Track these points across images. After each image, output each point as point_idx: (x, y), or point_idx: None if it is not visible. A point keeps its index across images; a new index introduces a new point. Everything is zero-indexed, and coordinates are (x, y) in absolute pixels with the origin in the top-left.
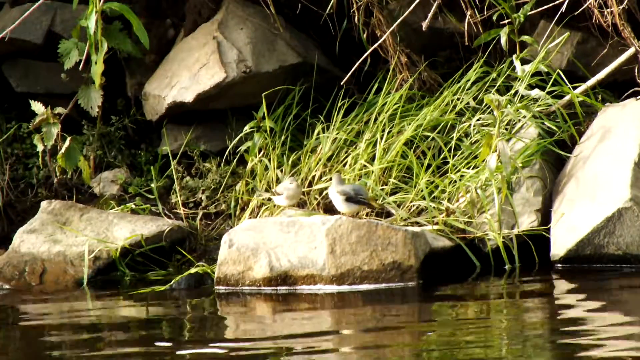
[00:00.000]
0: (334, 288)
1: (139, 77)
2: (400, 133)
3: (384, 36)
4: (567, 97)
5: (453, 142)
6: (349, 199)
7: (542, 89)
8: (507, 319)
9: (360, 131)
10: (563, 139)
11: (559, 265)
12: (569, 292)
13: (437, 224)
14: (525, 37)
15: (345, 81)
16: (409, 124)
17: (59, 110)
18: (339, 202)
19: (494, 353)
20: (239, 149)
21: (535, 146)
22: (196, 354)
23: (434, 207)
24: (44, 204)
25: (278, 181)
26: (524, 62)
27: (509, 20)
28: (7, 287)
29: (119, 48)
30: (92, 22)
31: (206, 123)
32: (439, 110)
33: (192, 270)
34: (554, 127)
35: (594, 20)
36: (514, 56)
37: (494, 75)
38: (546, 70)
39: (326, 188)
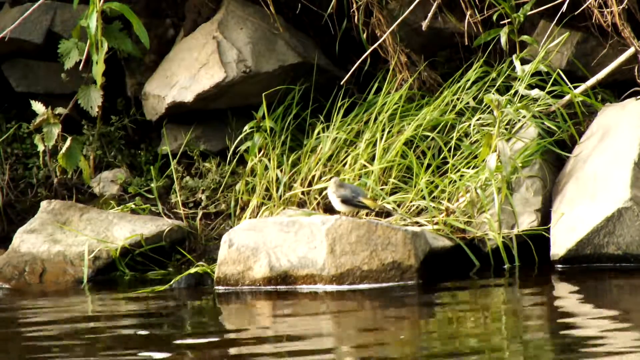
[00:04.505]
0: (333, 288)
1: (139, 77)
2: (400, 133)
3: (384, 36)
4: (567, 97)
5: (453, 142)
6: (345, 201)
7: (542, 89)
8: (506, 318)
9: (360, 131)
10: (563, 139)
11: (559, 265)
12: (569, 292)
13: (437, 223)
14: (525, 37)
15: (345, 81)
16: (409, 124)
17: (59, 110)
18: (336, 203)
19: (493, 352)
20: (239, 148)
21: (535, 146)
22: (195, 352)
23: (434, 207)
24: (43, 203)
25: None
26: (524, 62)
27: (509, 20)
28: (7, 286)
29: (119, 48)
30: (92, 21)
31: (206, 123)
32: (438, 110)
33: (192, 270)
34: (553, 127)
35: (593, 20)
36: (514, 56)
37: (493, 75)
38: (546, 70)
39: (326, 188)
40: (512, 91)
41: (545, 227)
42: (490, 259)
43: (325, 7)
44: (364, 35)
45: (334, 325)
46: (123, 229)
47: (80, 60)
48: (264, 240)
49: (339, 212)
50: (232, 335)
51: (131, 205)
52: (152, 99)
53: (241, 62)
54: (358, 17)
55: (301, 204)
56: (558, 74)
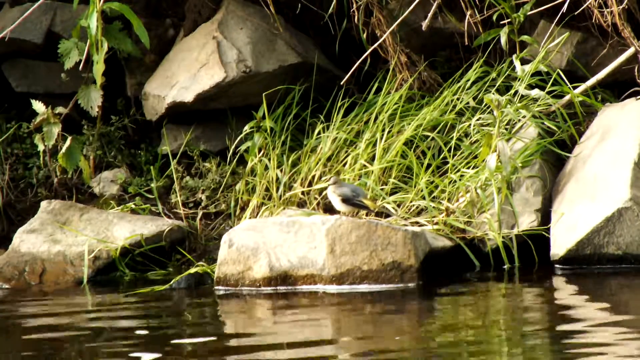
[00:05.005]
0: (333, 288)
1: (139, 77)
2: (400, 133)
3: (384, 36)
4: (567, 97)
5: (453, 142)
6: (346, 200)
7: (542, 88)
8: (506, 318)
9: (360, 131)
10: (563, 139)
11: (559, 265)
12: (569, 291)
13: (437, 223)
14: (525, 37)
15: (345, 81)
16: (409, 124)
17: (59, 109)
18: (336, 202)
19: (493, 353)
20: (239, 148)
21: (535, 146)
22: (190, 353)
23: (434, 207)
24: (43, 203)
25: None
26: (524, 62)
27: (509, 20)
28: (7, 286)
29: (119, 48)
30: (92, 22)
31: (206, 123)
32: (438, 110)
33: (192, 270)
34: (553, 127)
35: (594, 20)
36: (514, 56)
37: (493, 75)
38: (546, 70)
39: (326, 188)
40: (512, 91)
41: (545, 227)
42: (490, 259)
43: (325, 7)
44: (364, 35)
45: (333, 325)
46: (123, 229)
47: (80, 60)
48: (264, 240)
49: (339, 212)
50: (231, 335)
51: (131, 205)
52: (152, 99)
53: (241, 62)
54: (358, 17)
55: (301, 204)
56: (558, 74)
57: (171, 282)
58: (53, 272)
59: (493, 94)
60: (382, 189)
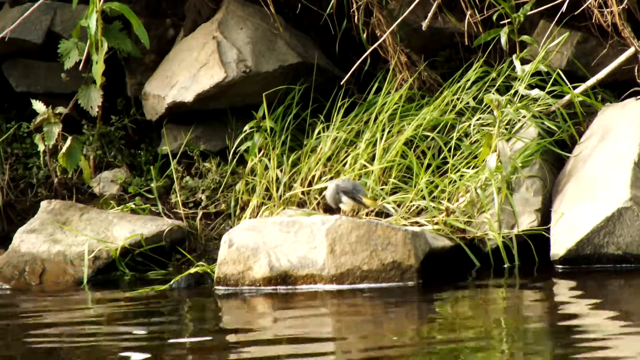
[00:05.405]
0: (333, 288)
1: (139, 77)
2: (400, 133)
3: (384, 36)
4: (567, 97)
5: (453, 142)
6: (346, 192)
7: (542, 88)
8: (506, 318)
9: (360, 131)
10: (563, 139)
11: (559, 265)
12: (569, 291)
13: (437, 223)
14: (525, 37)
15: (345, 81)
16: (409, 124)
17: (59, 110)
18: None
19: (494, 353)
20: (239, 148)
21: (535, 146)
22: (194, 352)
23: (433, 207)
24: (43, 203)
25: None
26: (524, 62)
27: (509, 20)
28: (7, 286)
29: (119, 48)
30: (92, 21)
31: (206, 123)
32: (438, 110)
33: (192, 270)
34: (553, 127)
35: (593, 20)
36: (514, 56)
37: (493, 75)
38: (546, 70)
39: (326, 188)
40: (512, 91)
41: (545, 227)
42: (490, 259)
43: (325, 7)
44: (364, 35)
45: (333, 325)
46: (123, 229)
47: (80, 60)
48: (264, 240)
49: (339, 211)
50: (229, 335)
51: (131, 205)
52: (152, 99)
53: (241, 62)
54: (358, 17)
55: (301, 204)
56: (558, 74)
57: (171, 282)
58: (53, 272)
59: (493, 94)
60: (382, 189)
